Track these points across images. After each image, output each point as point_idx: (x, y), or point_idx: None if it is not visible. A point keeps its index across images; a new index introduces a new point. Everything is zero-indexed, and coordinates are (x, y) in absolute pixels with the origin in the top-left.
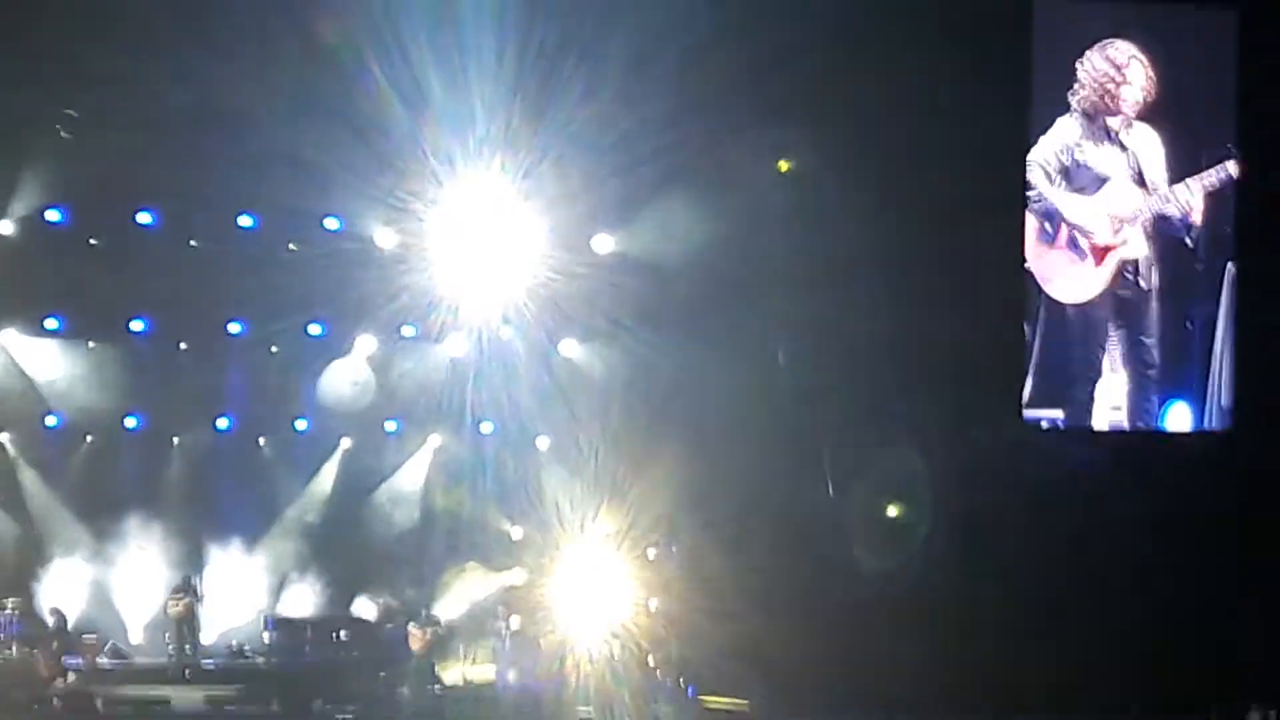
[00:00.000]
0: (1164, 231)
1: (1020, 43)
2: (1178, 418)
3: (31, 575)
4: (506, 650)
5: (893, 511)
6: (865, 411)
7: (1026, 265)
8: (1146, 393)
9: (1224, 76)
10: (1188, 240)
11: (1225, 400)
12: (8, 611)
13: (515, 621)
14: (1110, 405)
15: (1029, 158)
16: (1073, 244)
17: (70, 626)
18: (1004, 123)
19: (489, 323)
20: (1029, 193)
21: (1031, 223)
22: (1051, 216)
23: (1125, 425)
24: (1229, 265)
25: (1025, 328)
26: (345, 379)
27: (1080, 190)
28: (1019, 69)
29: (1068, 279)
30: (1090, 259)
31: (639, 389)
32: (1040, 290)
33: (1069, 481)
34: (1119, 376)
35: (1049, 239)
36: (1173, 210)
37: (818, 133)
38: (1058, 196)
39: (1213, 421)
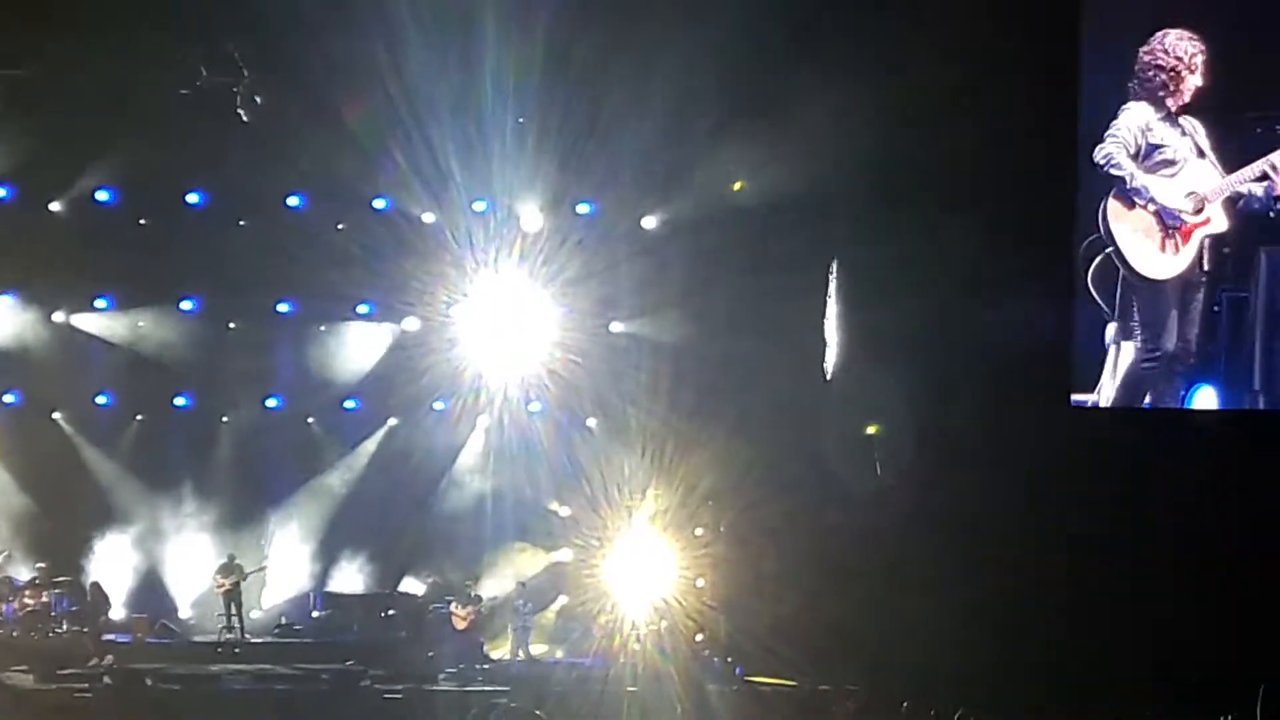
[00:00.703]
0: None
1: (1070, 26)
2: (1203, 401)
3: (80, 554)
4: (524, 629)
5: (939, 492)
6: (912, 394)
7: (1110, 244)
8: (1171, 375)
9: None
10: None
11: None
12: (58, 591)
13: (562, 600)
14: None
15: (1112, 137)
16: (1160, 221)
17: (119, 604)
18: (1054, 108)
19: (539, 302)
20: (1116, 173)
21: (1118, 204)
22: (1139, 194)
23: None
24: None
25: (1102, 303)
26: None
27: (1159, 171)
28: (1069, 54)
29: (1152, 257)
30: (1177, 237)
31: (687, 368)
32: (1121, 268)
33: (1121, 463)
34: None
35: (1135, 214)
36: (1250, 189)
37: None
38: (1142, 177)
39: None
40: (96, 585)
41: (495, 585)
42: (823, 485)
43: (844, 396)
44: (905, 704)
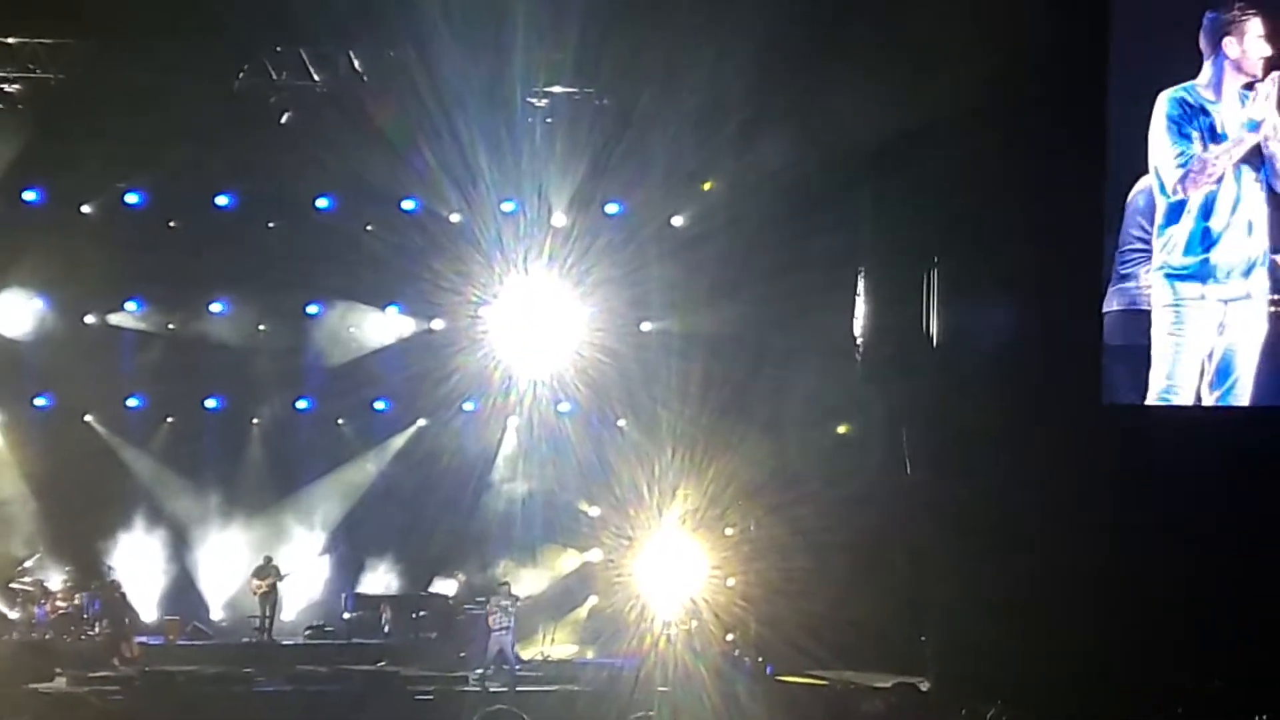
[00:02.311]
0: None
1: (1099, 22)
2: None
3: (111, 557)
4: (511, 628)
5: (970, 493)
6: (942, 393)
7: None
8: None
9: None
10: None
11: None
12: (89, 593)
13: (592, 599)
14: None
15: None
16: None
17: (151, 606)
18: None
19: (569, 302)
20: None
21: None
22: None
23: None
24: None
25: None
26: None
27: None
28: (1094, 53)
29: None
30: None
31: (717, 367)
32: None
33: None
34: None
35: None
36: None
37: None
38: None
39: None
40: (116, 586)
41: (527, 585)
42: (853, 483)
43: (873, 394)
44: (935, 700)
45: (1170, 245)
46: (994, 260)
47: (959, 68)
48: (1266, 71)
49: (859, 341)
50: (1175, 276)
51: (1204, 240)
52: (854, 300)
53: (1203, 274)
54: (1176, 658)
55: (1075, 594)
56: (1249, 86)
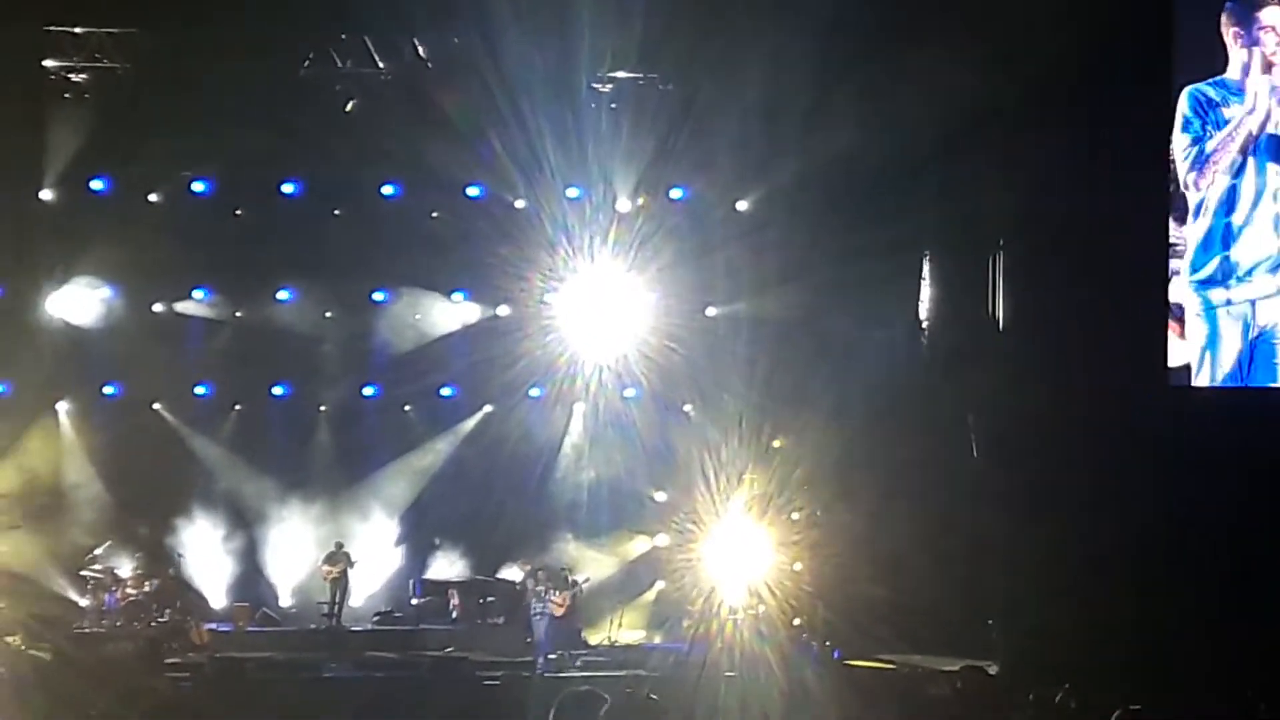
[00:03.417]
0: None
1: (1163, 13)
2: None
3: (180, 544)
4: (541, 614)
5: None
6: (1009, 379)
7: None
8: None
9: None
10: None
11: None
12: (159, 580)
13: (659, 585)
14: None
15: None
16: None
17: (222, 593)
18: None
19: (634, 287)
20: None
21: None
22: None
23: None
24: None
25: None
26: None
27: None
28: (1160, 40)
29: None
30: None
31: (784, 352)
32: None
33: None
34: None
35: None
36: None
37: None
38: None
39: None
40: (178, 575)
41: (594, 571)
42: (919, 468)
43: (940, 379)
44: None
45: (1192, 243)
46: (1059, 245)
47: (1024, 53)
48: None
49: (925, 327)
50: (1201, 284)
51: (1225, 237)
52: (920, 285)
53: (1225, 274)
54: (1243, 642)
55: (1140, 577)
56: (1267, 75)
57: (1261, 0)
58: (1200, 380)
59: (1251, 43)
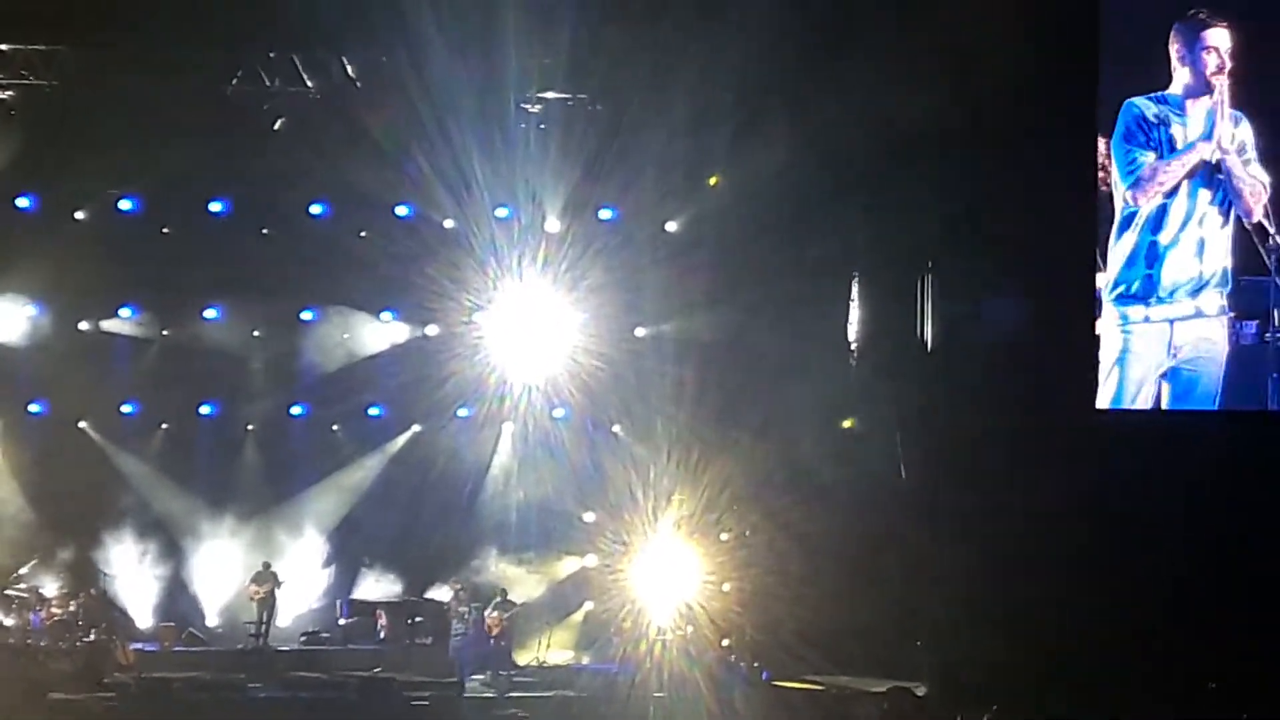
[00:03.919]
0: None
1: (1091, 32)
2: None
3: (106, 563)
4: (469, 638)
5: (965, 497)
6: (937, 399)
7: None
8: None
9: None
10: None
11: None
12: (84, 600)
13: (588, 605)
14: None
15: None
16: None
17: (147, 613)
18: (1073, 105)
19: (563, 307)
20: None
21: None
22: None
23: None
24: None
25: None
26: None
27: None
28: (1088, 59)
29: None
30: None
31: (712, 373)
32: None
33: (1143, 465)
34: None
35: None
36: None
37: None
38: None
39: None
40: (102, 594)
41: (522, 591)
42: (847, 488)
43: (868, 399)
44: (931, 706)
45: (1117, 258)
46: (988, 265)
47: (950, 73)
48: (1232, 83)
49: (854, 346)
50: (1122, 299)
51: (1149, 255)
52: (849, 305)
53: (1146, 292)
54: (1171, 661)
55: (1070, 599)
56: (1208, 98)
57: (1209, 21)
58: (1104, 395)
59: (1194, 62)
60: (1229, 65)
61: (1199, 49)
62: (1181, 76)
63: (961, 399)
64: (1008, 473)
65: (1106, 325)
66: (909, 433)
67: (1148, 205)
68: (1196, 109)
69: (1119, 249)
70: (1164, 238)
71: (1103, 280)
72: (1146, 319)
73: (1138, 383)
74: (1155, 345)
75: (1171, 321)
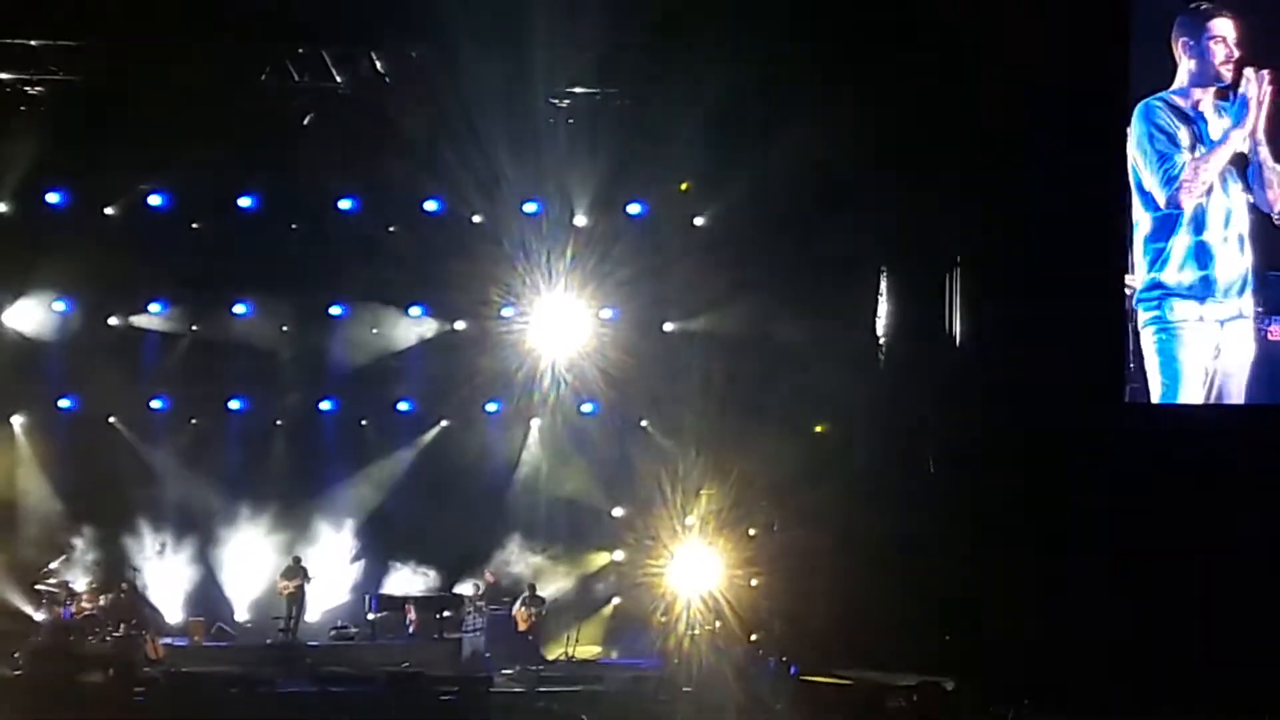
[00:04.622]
0: None
1: (1121, 24)
2: None
3: (136, 558)
4: (477, 630)
5: (993, 492)
6: (966, 393)
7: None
8: None
9: None
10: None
11: None
12: (114, 594)
13: (616, 600)
14: None
15: None
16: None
17: (177, 607)
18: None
19: (590, 304)
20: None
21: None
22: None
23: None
24: None
25: None
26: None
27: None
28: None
29: None
30: None
31: (740, 367)
32: None
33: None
34: None
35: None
36: None
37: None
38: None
39: None
40: (133, 589)
41: (551, 586)
42: (876, 483)
43: (897, 394)
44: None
45: (1164, 261)
46: (1017, 260)
47: (981, 68)
48: (1238, 72)
49: (882, 341)
50: (1173, 295)
51: (1200, 256)
52: (877, 300)
53: (1202, 292)
54: (1200, 656)
55: (1099, 593)
56: (1223, 89)
57: (1213, 10)
58: (1155, 397)
59: (1202, 54)
60: (1236, 54)
61: (1205, 39)
62: (1190, 70)
63: (989, 392)
64: (1035, 467)
65: (1147, 329)
66: (937, 428)
67: (1190, 204)
68: (1216, 101)
69: (1165, 251)
70: (1211, 238)
71: (1136, 280)
72: (1200, 318)
73: (1187, 381)
74: (1205, 347)
75: (1222, 323)
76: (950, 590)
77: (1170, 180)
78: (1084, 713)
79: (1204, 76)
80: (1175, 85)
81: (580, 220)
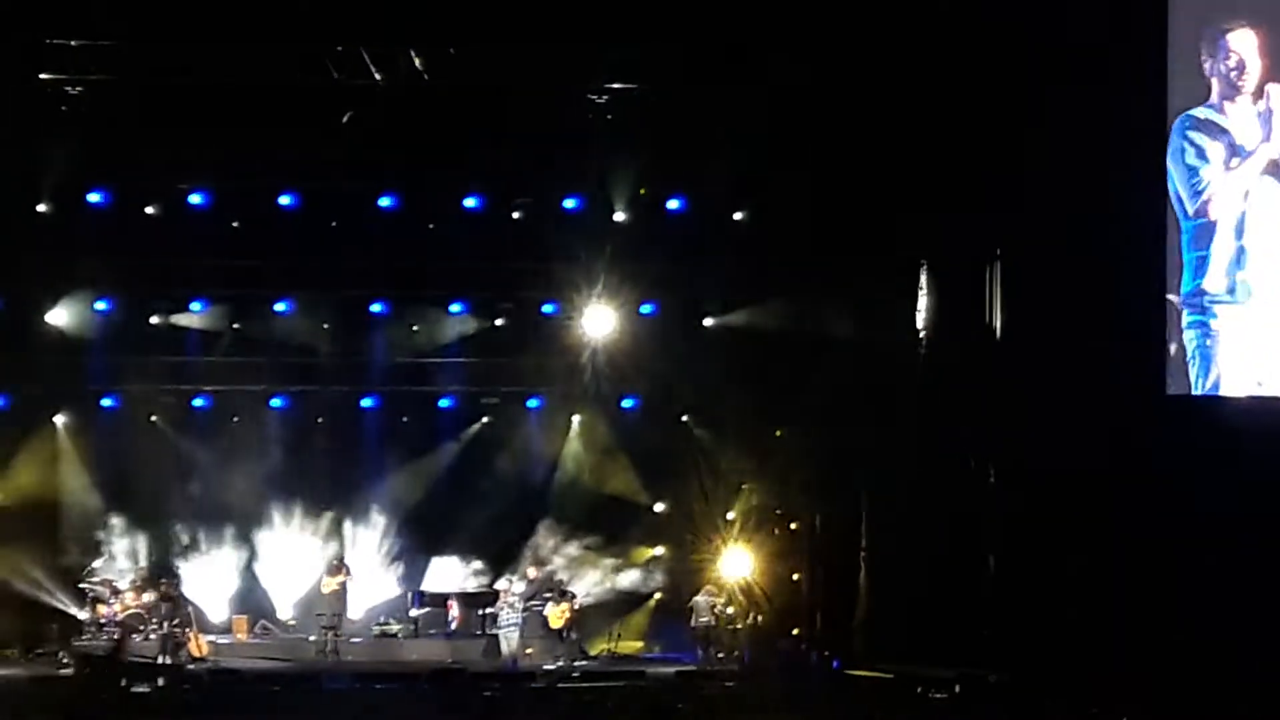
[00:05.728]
0: None
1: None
2: None
3: (179, 556)
4: (515, 625)
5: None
6: (1006, 388)
7: None
8: None
9: None
10: None
11: None
12: (157, 592)
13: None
14: None
15: None
16: None
17: (221, 605)
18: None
19: (629, 300)
20: None
21: None
22: None
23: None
24: None
25: None
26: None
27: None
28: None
29: None
30: None
31: (781, 361)
32: None
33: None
34: None
35: None
36: None
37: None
38: None
39: None
40: (175, 587)
41: (593, 581)
42: (917, 477)
43: (938, 389)
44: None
45: (1205, 266)
46: (1057, 256)
47: (1023, 63)
48: (1263, 83)
49: (922, 336)
50: (1215, 300)
51: (1238, 261)
52: (917, 295)
53: (1243, 297)
54: (1243, 651)
55: (1141, 585)
56: (1251, 102)
57: (1230, 25)
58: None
59: (1228, 68)
60: (1263, 67)
61: (1233, 54)
62: (1219, 84)
63: (1030, 387)
64: (1077, 461)
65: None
66: (978, 421)
67: (1224, 213)
68: (1245, 114)
69: (1202, 258)
70: (1250, 243)
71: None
72: (1241, 322)
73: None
74: (1238, 343)
75: (1263, 326)
76: (992, 584)
77: (1196, 194)
78: (1126, 706)
79: (1232, 90)
80: (1208, 100)
81: (619, 216)
